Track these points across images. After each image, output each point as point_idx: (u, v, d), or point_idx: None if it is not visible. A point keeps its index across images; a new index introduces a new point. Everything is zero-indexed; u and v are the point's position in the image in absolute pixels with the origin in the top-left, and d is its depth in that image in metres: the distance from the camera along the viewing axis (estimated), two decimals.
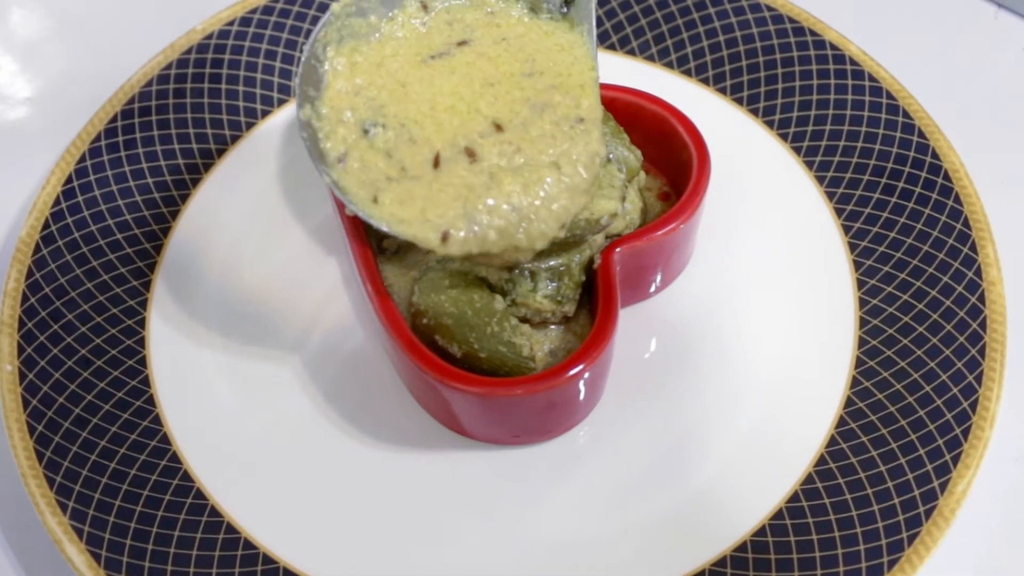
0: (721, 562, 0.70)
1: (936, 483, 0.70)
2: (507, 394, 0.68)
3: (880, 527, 0.69)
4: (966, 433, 0.71)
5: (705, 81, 0.91)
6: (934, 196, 0.81)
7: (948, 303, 0.77)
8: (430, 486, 0.74)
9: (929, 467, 0.71)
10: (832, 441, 0.74)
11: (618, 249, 0.73)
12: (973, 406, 0.72)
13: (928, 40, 0.97)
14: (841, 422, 0.74)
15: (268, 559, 0.71)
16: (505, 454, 0.75)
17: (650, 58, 0.92)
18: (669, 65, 0.92)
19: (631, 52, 0.92)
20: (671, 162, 0.80)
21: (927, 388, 0.74)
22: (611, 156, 0.75)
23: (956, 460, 0.71)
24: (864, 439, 0.73)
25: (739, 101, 0.89)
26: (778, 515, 0.71)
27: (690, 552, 0.71)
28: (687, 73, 0.91)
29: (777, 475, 0.73)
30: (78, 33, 1.02)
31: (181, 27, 0.93)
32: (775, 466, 0.73)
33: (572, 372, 0.68)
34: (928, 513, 0.69)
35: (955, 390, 0.73)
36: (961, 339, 0.75)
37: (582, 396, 0.73)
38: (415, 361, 0.69)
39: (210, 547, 0.71)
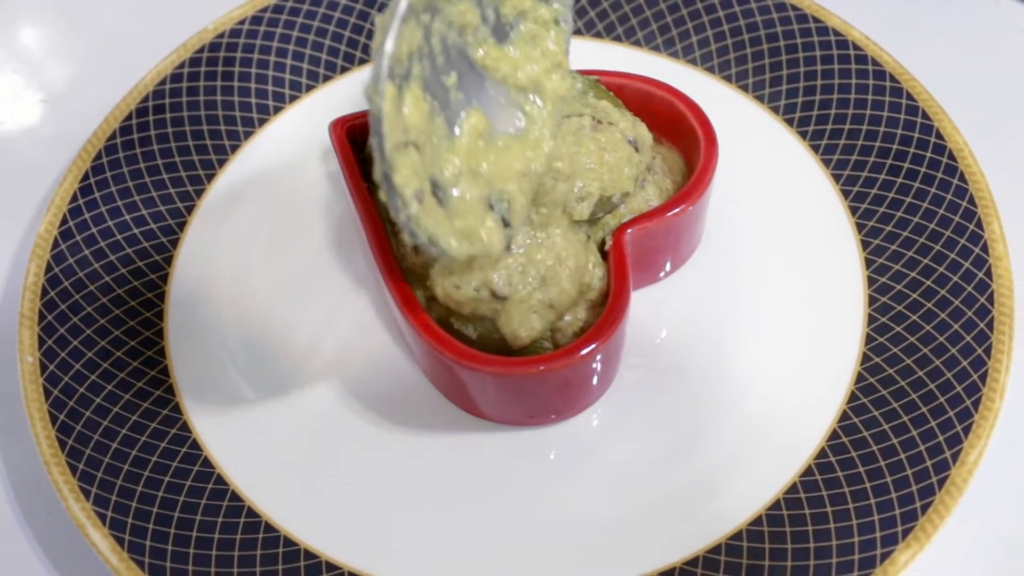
0: (737, 535, 0.71)
1: (948, 453, 0.71)
2: (522, 372, 0.69)
3: (893, 498, 0.70)
4: (976, 404, 0.72)
5: (710, 70, 0.92)
6: (939, 175, 0.82)
7: (956, 279, 0.78)
8: (446, 468, 0.75)
9: (941, 438, 0.71)
10: (844, 416, 0.74)
11: (629, 230, 0.74)
12: (983, 378, 0.73)
13: (930, 28, 0.98)
14: (852, 397, 0.75)
15: (289, 541, 0.72)
16: (520, 436, 0.76)
17: (655, 48, 0.93)
18: (674, 55, 0.93)
19: (636, 43, 0.93)
20: (680, 146, 0.81)
21: (937, 362, 0.75)
22: (630, 139, 0.75)
23: (967, 431, 0.71)
24: (876, 413, 0.74)
25: (744, 88, 0.90)
26: (792, 489, 0.72)
27: (706, 528, 0.71)
28: (692, 62, 0.92)
29: (790, 451, 0.74)
30: (90, 34, 1.04)
31: (193, 27, 0.94)
32: (787, 443, 0.74)
33: (586, 351, 0.69)
34: (941, 483, 0.70)
35: (965, 363, 0.74)
36: (969, 313, 0.76)
37: (596, 376, 0.74)
38: (431, 342, 0.70)
39: (232, 531, 0.72)
